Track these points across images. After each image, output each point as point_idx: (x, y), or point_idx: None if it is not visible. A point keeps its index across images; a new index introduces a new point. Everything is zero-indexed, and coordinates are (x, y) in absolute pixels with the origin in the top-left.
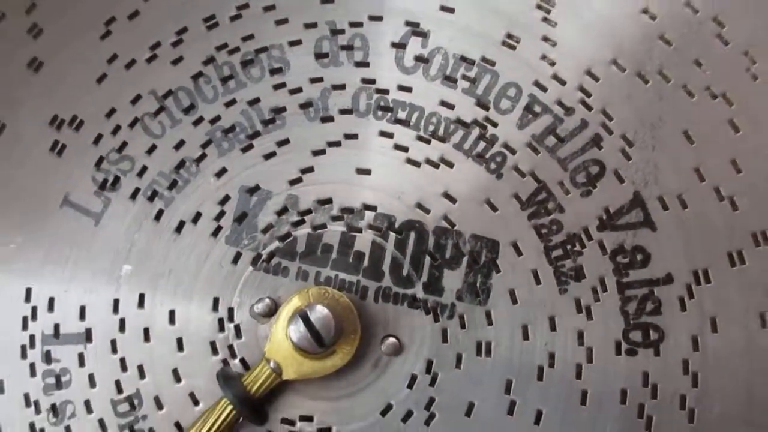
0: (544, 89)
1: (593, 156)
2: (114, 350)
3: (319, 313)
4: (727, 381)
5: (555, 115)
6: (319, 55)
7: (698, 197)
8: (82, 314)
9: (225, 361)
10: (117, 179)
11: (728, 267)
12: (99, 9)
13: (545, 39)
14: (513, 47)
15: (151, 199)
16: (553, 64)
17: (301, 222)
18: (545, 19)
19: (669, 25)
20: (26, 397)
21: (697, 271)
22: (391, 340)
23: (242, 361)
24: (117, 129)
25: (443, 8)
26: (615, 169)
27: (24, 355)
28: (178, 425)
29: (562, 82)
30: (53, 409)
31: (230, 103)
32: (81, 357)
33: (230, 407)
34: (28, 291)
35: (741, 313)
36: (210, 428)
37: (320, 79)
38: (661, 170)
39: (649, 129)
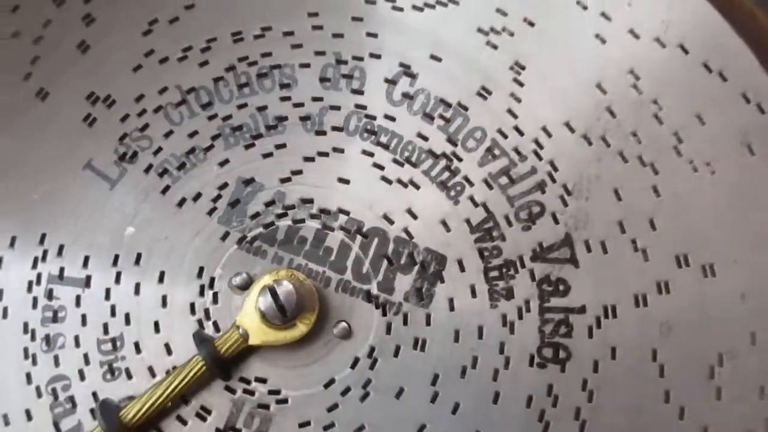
0: (505, 136)
1: (537, 198)
2: (107, 297)
3: (285, 288)
4: (618, 400)
5: (510, 160)
6: (323, 79)
7: (617, 246)
8: (86, 263)
9: (200, 322)
10: (135, 154)
11: (633, 307)
12: (145, 10)
13: (512, 95)
14: (485, 98)
15: (161, 175)
16: (515, 117)
17: (284, 215)
18: (515, 80)
19: (616, 100)
20: (25, 325)
21: (606, 306)
22: (343, 324)
23: (215, 324)
24: (143, 112)
25: (432, 57)
26: (553, 212)
27: (30, 289)
28: (150, 369)
29: (521, 133)
30: (47, 338)
31: (242, 106)
32: (78, 299)
33: (201, 363)
34: (43, 236)
35: (637, 347)
36: (183, 379)
37: (321, 99)
38: (591, 219)
39: (586, 183)
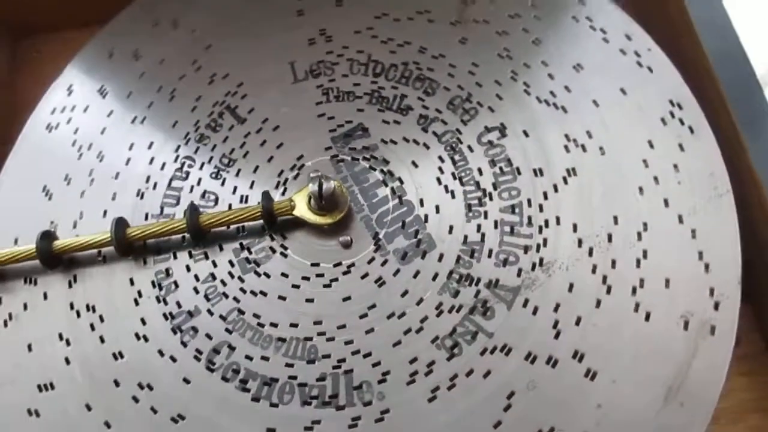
0: (530, 205)
1: (518, 253)
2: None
3: (329, 185)
4: None
5: (521, 220)
6: (450, 102)
7: (541, 316)
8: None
9: (267, 193)
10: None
11: (522, 359)
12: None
13: (554, 186)
14: (536, 175)
15: (332, 97)
16: (546, 198)
17: (367, 159)
18: (563, 177)
19: (617, 233)
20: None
21: (506, 344)
22: (349, 239)
23: (283, 193)
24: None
25: (524, 132)
26: (521, 268)
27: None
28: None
29: (540, 210)
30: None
31: (404, 96)
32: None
33: (258, 210)
34: (151, 143)
35: (507, 382)
36: (238, 215)
37: (439, 112)
38: (541, 290)
39: (556, 267)
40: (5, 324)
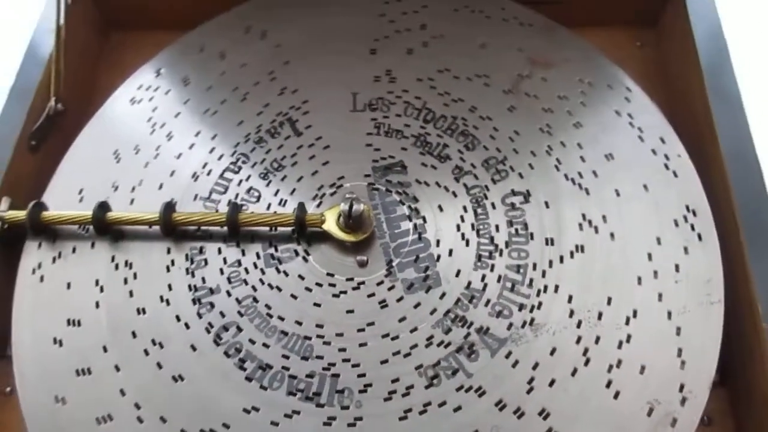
0: (534, 268)
1: (512, 309)
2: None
3: (358, 207)
4: None
5: (523, 281)
6: (485, 161)
7: (519, 368)
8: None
9: (302, 204)
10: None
11: (494, 407)
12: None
13: (561, 258)
14: (547, 244)
15: (382, 132)
16: (551, 266)
17: (399, 193)
18: (572, 257)
19: (602, 331)
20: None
21: (480, 386)
22: (365, 258)
23: (318, 206)
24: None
25: (546, 203)
26: (512, 323)
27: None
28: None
29: (543, 276)
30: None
31: (446, 146)
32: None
33: (292, 218)
34: (215, 135)
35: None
36: (274, 219)
37: (473, 167)
38: (526, 347)
39: (544, 330)
40: (54, 260)
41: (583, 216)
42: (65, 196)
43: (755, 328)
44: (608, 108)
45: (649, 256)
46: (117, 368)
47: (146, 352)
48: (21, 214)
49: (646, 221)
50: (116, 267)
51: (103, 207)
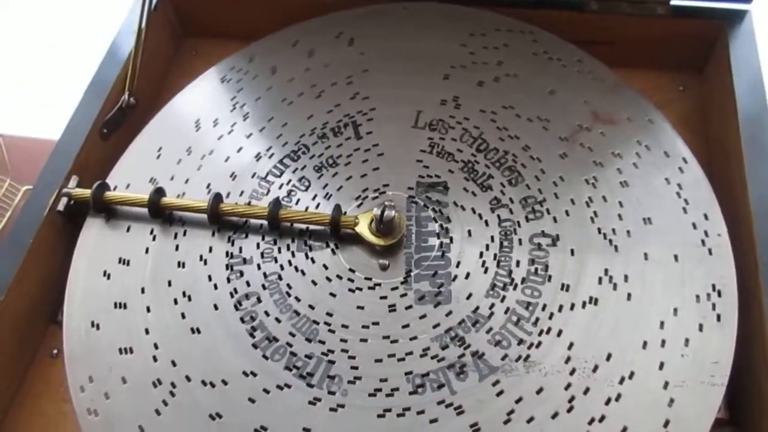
0: (543, 309)
1: (511, 342)
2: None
3: (389, 213)
4: None
5: (528, 316)
6: (523, 200)
7: (506, 392)
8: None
9: (339, 206)
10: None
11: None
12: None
13: (571, 307)
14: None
15: (435, 154)
16: (560, 311)
17: (434, 210)
18: (589, 312)
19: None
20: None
21: (460, 403)
22: (387, 263)
23: (358, 206)
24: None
25: (572, 251)
26: (506, 354)
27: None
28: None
29: (550, 317)
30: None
31: (488, 179)
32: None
33: (327, 218)
34: (286, 123)
35: None
36: (311, 218)
37: (509, 201)
38: (514, 384)
39: (536, 369)
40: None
41: (606, 271)
42: (129, 179)
43: None
44: (659, 174)
45: (661, 324)
46: (148, 309)
47: (175, 301)
48: (86, 192)
49: (668, 290)
50: (170, 223)
51: (158, 192)
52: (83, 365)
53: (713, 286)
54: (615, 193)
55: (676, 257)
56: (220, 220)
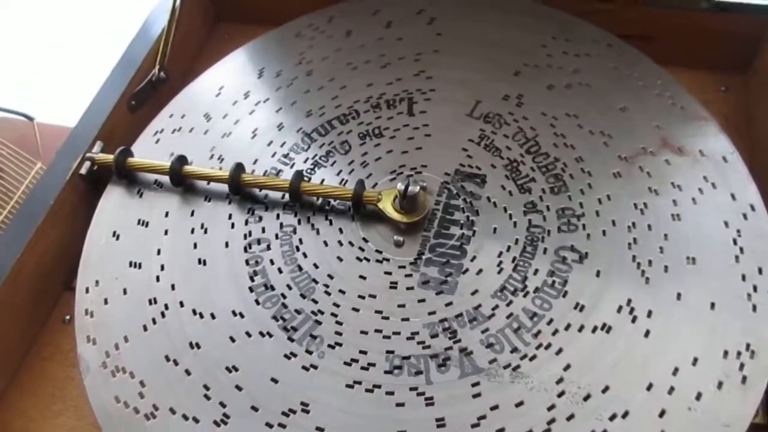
0: (549, 323)
1: (504, 345)
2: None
3: (413, 188)
4: None
5: (531, 327)
6: (560, 211)
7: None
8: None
9: (362, 181)
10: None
11: None
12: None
13: (582, 328)
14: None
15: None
16: (566, 329)
17: (465, 201)
18: (595, 337)
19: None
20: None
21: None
22: (402, 240)
23: (391, 180)
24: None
25: (596, 273)
26: (507, 364)
27: None
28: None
29: (554, 333)
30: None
31: (528, 182)
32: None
33: (350, 193)
34: (344, 85)
35: None
36: (333, 191)
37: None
38: (498, 401)
39: (538, 385)
40: (139, 194)
41: (629, 301)
42: (153, 151)
43: None
44: (718, 216)
45: (675, 371)
46: (166, 232)
47: (192, 231)
48: (109, 158)
49: (694, 337)
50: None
51: (180, 160)
52: (94, 270)
53: (747, 345)
54: (662, 225)
55: (712, 305)
56: (241, 191)
